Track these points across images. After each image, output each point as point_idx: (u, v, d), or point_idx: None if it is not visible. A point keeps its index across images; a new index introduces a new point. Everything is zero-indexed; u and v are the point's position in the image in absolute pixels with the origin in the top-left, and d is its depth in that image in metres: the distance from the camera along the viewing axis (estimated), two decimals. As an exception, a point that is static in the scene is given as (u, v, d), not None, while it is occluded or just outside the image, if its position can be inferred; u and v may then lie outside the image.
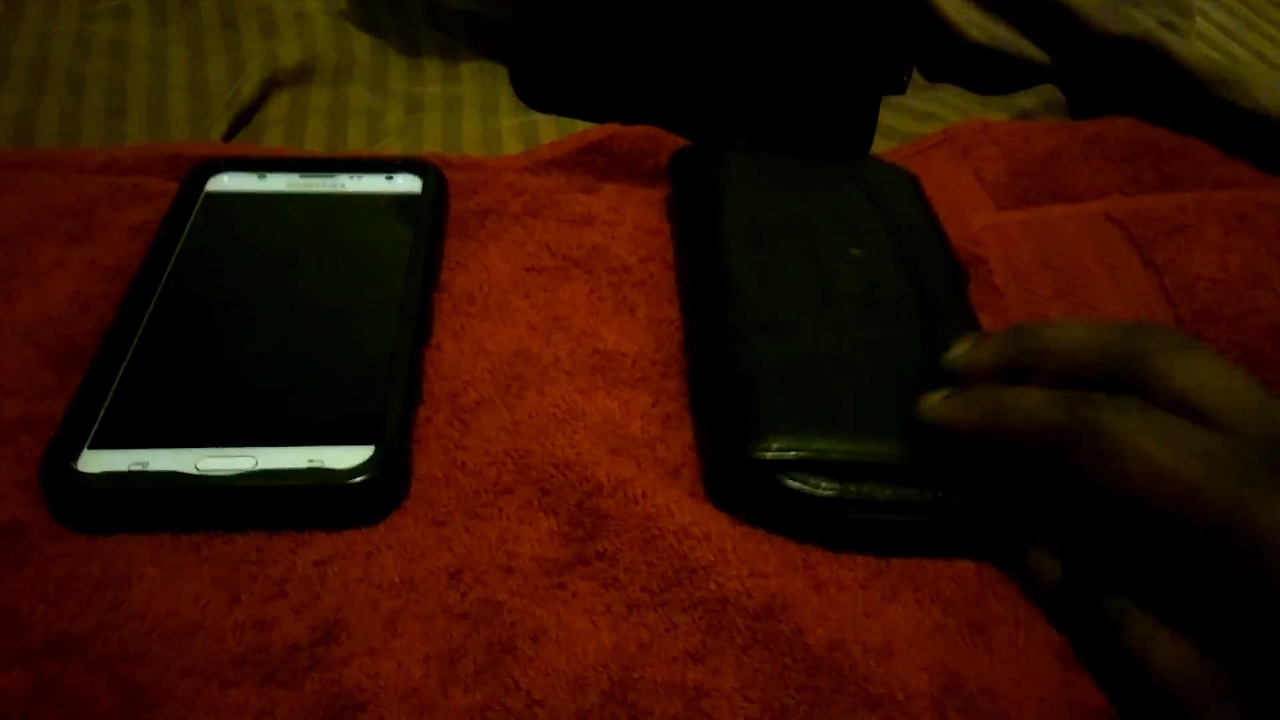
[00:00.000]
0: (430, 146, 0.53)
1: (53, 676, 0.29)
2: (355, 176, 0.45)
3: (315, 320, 0.39)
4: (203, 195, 0.44)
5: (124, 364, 0.36)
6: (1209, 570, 0.27)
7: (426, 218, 0.43)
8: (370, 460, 0.33)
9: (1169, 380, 0.30)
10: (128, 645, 0.29)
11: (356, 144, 0.53)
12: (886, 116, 0.57)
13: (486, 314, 0.41)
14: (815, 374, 0.37)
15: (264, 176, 0.45)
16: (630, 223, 0.46)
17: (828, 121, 0.55)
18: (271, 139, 0.53)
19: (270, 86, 0.55)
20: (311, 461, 0.33)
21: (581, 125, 0.54)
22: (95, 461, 0.33)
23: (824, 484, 0.34)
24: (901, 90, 0.62)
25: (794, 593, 0.31)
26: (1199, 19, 0.66)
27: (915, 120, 0.59)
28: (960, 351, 0.36)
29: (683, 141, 0.51)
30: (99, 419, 0.34)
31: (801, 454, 0.34)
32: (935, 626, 0.32)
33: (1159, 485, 0.27)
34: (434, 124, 0.55)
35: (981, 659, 0.31)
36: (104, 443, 0.34)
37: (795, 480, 0.34)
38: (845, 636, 0.31)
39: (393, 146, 0.53)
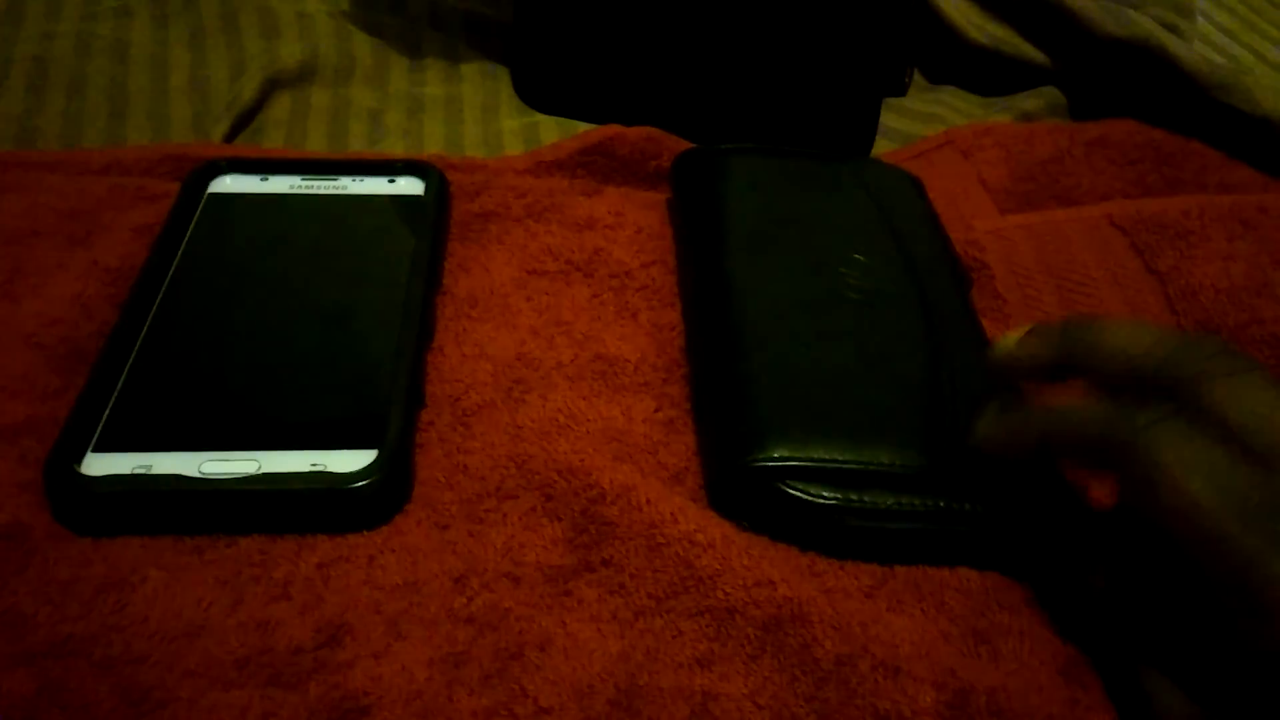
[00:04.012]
0: (431, 147, 0.53)
1: (56, 678, 0.29)
2: (358, 178, 0.45)
3: (318, 323, 0.39)
4: (205, 196, 0.44)
5: (127, 366, 0.36)
6: (1222, 614, 0.27)
7: (429, 220, 0.43)
8: (373, 464, 0.33)
9: (1222, 409, 0.28)
10: (131, 647, 0.30)
11: (358, 145, 0.53)
12: (888, 118, 0.58)
13: (488, 317, 0.41)
14: (817, 381, 0.37)
15: (266, 178, 0.45)
16: (632, 226, 0.46)
17: (829, 123, 0.55)
18: (273, 140, 0.53)
19: (271, 87, 0.55)
20: (314, 465, 0.33)
21: (583, 126, 0.54)
22: (99, 464, 0.33)
23: (825, 491, 0.34)
24: (903, 92, 0.62)
25: (801, 602, 0.31)
26: (1200, 21, 0.66)
27: (917, 122, 0.59)
28: (1010, 343, 0.34)
29: (684, 143, 0.51)
30: (102, 421, 0.34)
31: (803, 462, 0.34)
32: (941, 637, 0.32)
33: (1190, 520, 0.27)
34: (435, 125, 0.55)
35: (987, 671, 0.31)
36: (108, 445, 0.34)
37: (796, 488, 0.34)
38: (853, 650, 0.31)
39: (394, 147, 0.53)
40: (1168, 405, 0.29)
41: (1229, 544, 0.27)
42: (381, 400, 0.36)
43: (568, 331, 0.41)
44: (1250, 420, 0.28)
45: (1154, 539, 0.29)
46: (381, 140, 0.54)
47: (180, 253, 0.41)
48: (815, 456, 0.34)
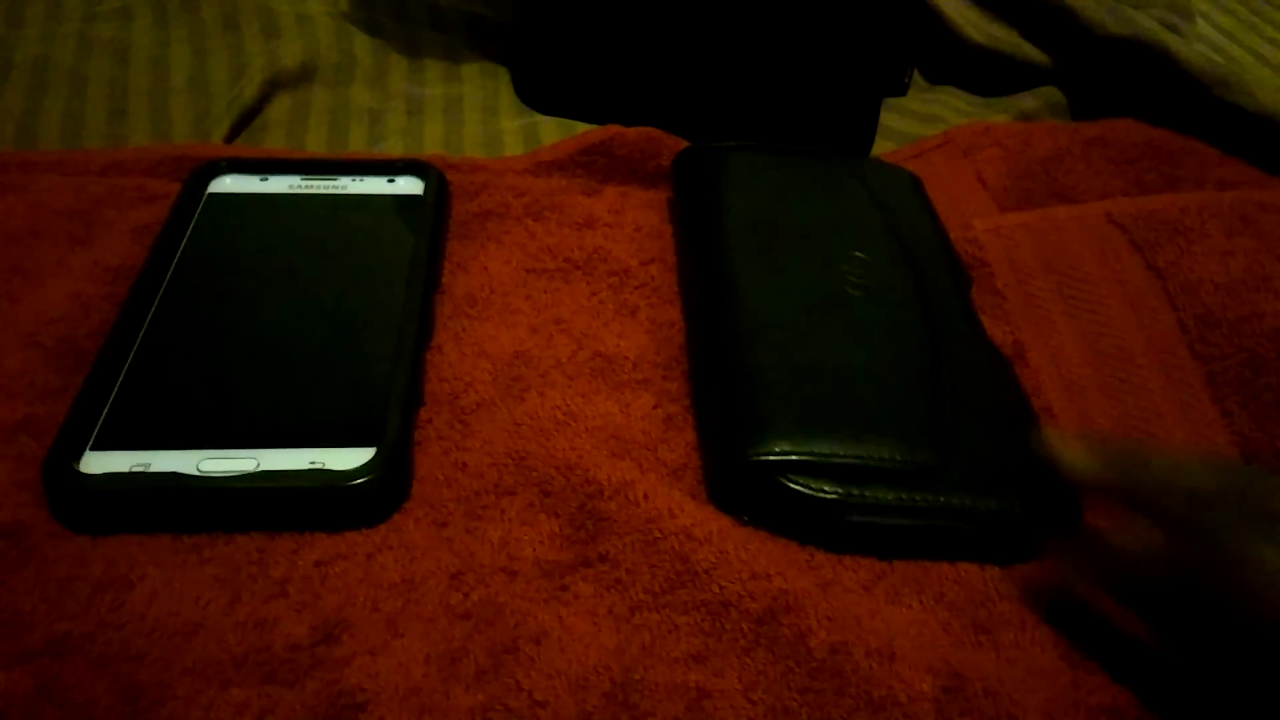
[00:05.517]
0: (431, 148, 0.53)
1: (54, 676, 0.29)
2: (357, 178, 0.46)
3: (317, 322, 0.39)
4: (205, 197, 0.44)
5: (126, 365, 0.36)
6: None
7: (428, 219, 0.43)
8: (371, 462, 0.33)
9: None
10: (129, 645, 0.30)
11: (358, 145, 0.53)
12: (887, 118, 0.58)
13: (487, 316, 0.41)
14: (818, 376, 0.37)
15: (266, 178, 0.45)
16: (631, 225, 0.46)
17: (829, 123, 0.55)
18: (273, 140, 0.53)
19: (272, 87, 0.55)
20: (313, 463, 0.33)
21: (583, 126, 0.54)
22: (97, 462, 0.33)
23: (826, 486, 0.34)
24: (903, 92, 0.62)
25: (797, 595, 0.31)
26: (1199, 20, 0.66)
27: (916, 122, 0.59)
28: (1075, 460, 0.33)
29: (684, 143, 0.51)
30: (101, 420, 0.34)
31: (804, 456, 0.34)
32: (939, 627, 0.32)
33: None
34: (435, 125, 0.55)
35: (986, 660, 0.31)
36: (106, 444, 0.34)
37: (797, 482, 0.34)
38: (848, 639, 0.31)
39: (394, 148, 0.53)
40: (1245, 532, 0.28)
41: None
42: (380, 398, 0.36)
43: (567, 329, 0.41)
44: None
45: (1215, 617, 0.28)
46: (381, 140, 0.54)
47: (180, 252, 0.41)
48: (816, 451, 0.34)
